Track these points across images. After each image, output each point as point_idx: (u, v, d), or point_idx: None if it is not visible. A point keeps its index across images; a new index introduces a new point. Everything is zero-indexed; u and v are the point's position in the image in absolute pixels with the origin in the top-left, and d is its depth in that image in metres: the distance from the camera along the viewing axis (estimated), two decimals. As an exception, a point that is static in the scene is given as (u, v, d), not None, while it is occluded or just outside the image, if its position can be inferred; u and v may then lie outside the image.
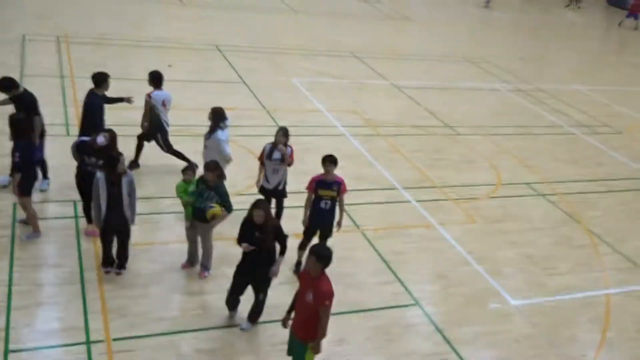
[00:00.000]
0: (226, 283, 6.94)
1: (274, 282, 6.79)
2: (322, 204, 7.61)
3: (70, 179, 8.05)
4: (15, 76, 9.26)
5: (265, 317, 6.85)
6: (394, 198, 10.30)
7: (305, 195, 7.72)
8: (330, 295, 5.57)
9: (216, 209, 7.10)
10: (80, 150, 7.74)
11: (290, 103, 13.76)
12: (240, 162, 9.80)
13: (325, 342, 5.86)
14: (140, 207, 7.55)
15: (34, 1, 18.66)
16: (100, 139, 7.49)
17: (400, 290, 7.93)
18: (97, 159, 7.49)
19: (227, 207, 7.24)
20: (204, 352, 6.44)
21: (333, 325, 6.00)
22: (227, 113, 8.76)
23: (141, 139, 9.85)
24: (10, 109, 8.41)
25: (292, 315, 5.91)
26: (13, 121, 7.63)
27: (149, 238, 8.14)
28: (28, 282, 7.01)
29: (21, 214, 7.95)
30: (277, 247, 6.56)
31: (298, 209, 8.02)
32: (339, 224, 7.78)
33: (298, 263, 7.87)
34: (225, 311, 6.92)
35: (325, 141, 11.75)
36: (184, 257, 7.73)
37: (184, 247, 7.71)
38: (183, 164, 9.03)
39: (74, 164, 7.90)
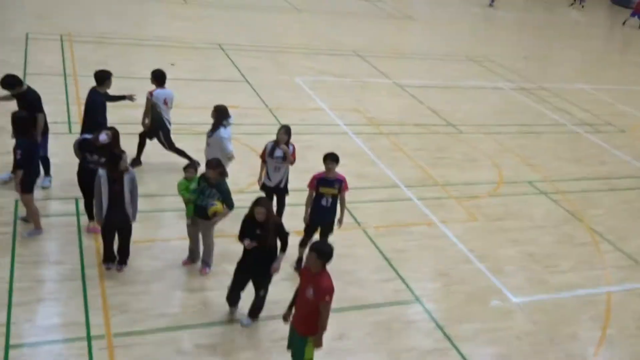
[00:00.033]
0: (227, 280, 6.96)
1: (275, 278, 6.80)
2: (324, 202, 7.62)
3: (73, 177, 8.07)
4: (19, 74, 9.29)
5: (266, 313, 6.87)
6: (395, 196, 10.30)
7: (306, 193, 7.72)
8: (330, 291, 5.58)
9: (218, 206, 7.12)
10: (82, 147, 7.76)
11: (292, 101, 13.77)
12: (242, 159, 9.82)
13: (325, 338, 5.88)
14: (141, 204, 7.57)
15: (36, 0, 18.72)
16: (103, 137, 7.51)
17: (402, 288, 7.93)
18: (99, 157, 7.51)
19: (229, 205, 7.26)
20: (205, 347, 6.46)
21: (333, 321, 6.01)
22: (230, 111, 8.77)
23: (143, 137, 9.88)
24: (13, 106, 8.44)
25: (293, 310, 5.92)
26: (15, 119, 7.65)
27: (151, 235, 8.16)
28: (29, 279, 7.04)
29: (23, 211, 7.99)
30: (278, 244, 6.57)
31: (299, 206, 8.02)
32: (340, 221, 7.79)
33: (299, 260, 7.88)
34: (225, 307, 6.94)
35: (327, 139, 11.76)
36: (185, 254, 7.75)
37: (185, 244, 7.73)
38: (185, 161, 9.06)
39: (76, 161, 7.92)
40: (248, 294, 6.81)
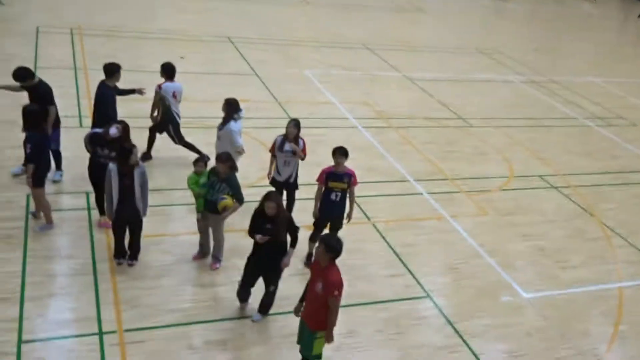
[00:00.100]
0: (237, 275, 6.97)
1: (285, 273, 6.80)
2: (333, 196, 7.59)
3: (83, 171, 8.10)
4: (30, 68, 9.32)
5: (276, 308, 6.87)
6: (405, 190, 10.25)
7: (316, 187, 7.70)
8: (339, 285, 5.57)
9: (227, 200, 7.11)
10: (93, 141, 7.78)
11: (302, 95, 13.73)
12: (252, 154, 9.80)
13: (335, 334, 5.87)
14: (151, 198, 7.58)
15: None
16: (113, 131, 7.52)
17: (412, 283, 7.91)
18: (110, 151, 7.52)
19: (239, 199, 7.25)
20: (215, 343, 6.48)
21: (343, 316, 6.01)
22: (241, 105, 8.75)
23: (153, 131, 9.88)
24: (25, 100, 8.46)
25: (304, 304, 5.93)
26: (26, 112, 7.66)
27: (161, 230, 8.18)
28: (41, 273, 7.08)
29: (34, 206, 8.01)
30: (288, 239, 6.56)
31: (309, 201, 8.01)
32: (349, 216, 7.77)
33: (309, 255, 7.87)
34: (236, 303, 6.95)
35: (336, 133, 11.72)
36: (195, 249, 7.76)
37: (195, 238, 7.75)
38: (194, 155, 9.04)
39: (86, 155, 7.95)
40: (258, 290, 6.81)
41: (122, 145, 7.21)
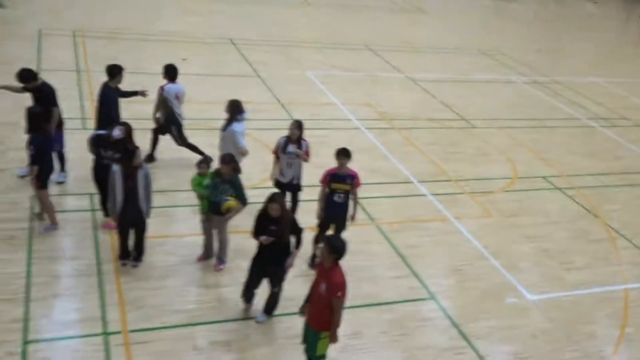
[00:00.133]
0: (241, 276, 6.96)
1: (289, 275, 6.80)
2: (336, 197, 7.58)
3: (87, 172, 8.10)
4: (32, 70, 9.33)
5: (281, 309, 6.86)
6: (409, 191, 10.24)
7: (319, 188, 7.69)
8: (342, 286, 5.56)
9: (231, 202, 7.11)
10: (96, 143, 7.78)
11: (304, 96, 13.73)
12: (255, 155, 9.79)
13: (339, 335, 5.86)
14: (155, 200, 7.57)
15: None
16: (116, 132, 7.52)
17: (416, 284, 7.89)
18: (114, 152, 7.52)
19: (242, 200, 7.24)
20: (220, 344, 6.47)
21: (348, 318, 6.00)
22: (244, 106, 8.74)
23: (156, 133, 9.88)
24: (27, 102, 8.46)
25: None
26: (30, 114, 7.67)
27: (165, 231, 8.17)
28: (46, 274, 7.08)
29: (38, 207, 8.01)
30: (292, 240, 6.55)
31: (312, 202, 8.00)
32: (353, 217, 7.76)
33: (313, 256, 7.86)
34: (240, 304, 6.94)
35: (339, 134, 11.71)
36: (199, 250, 7.75)
37: (200, 239, 7.74)
38: (197, 157, 9.02)
39: (89, 157, 7.95)
40: (263, 291, 6.80)
41: (126, 147, 7.21)
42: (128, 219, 7.15)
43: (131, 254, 7.42)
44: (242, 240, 7.79)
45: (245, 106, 8.76)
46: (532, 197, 10.65)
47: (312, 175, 8.44)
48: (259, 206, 6.55)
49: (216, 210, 7.23)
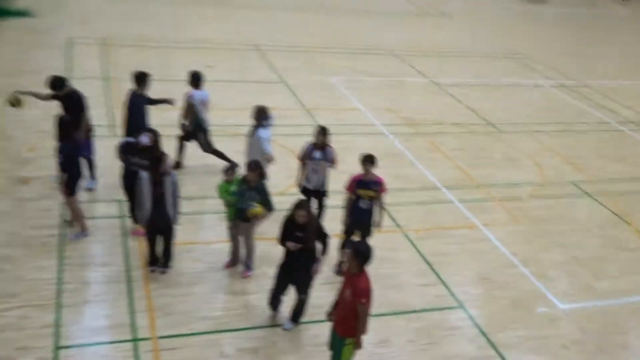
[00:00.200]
0: (268, 283, 6.97)
1: (316, 282, 6.78)
2: (362, 204, 7.54)
3: (115, 179, 8.20)
4: (62, 78, 9.50)
5: (308, 317, 6.85)
6: (436, 198, 10.15)
7: (344, 195, 7.67)
8: (366, 292, 5.53)
9: (257, 208, 7.12)
10: (125, 150, 7.87)
11: (329, 102, 13.74)
12: (281, 161, 9.82)
13: (366, 343, 5.83)
14: (183, 206, 7.64)
15: (78, 6, 19.13)
16: (144, 139, 7.60)
17: (444, 292, 7.81)
18: (142, 159, 7.60)
19: (269, 207, 7.26)
20: (247, 351, 6.48)
21: (375, 326, 5.96)
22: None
23: (182, 140, 9.97)
24: (55, 110, 8.61)
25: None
26: (59, 122, 7.80)
27: (192, 238, 8.24)
28: (77, 281, 7.19)
29: (68, 214, 8.14)
30: (319, 246, 6.54)
31: (338, 209, 7.98)
32: (379, 224, 7.71)
33: (339, 263, 7.83)
34: (267, 311, 6.95)
35: (364, 140, 11.68)
36: (226, 257, 7.79)
37: (227, 246, 7.78)
38: (224, 163, 9.09)
39: (118, 164, 8.05)
40: (289, 298, 6.80)
41: (153, 154, 7.29)
42: (156, 225, 7.21)
43: (159, 260, 7.49)
44: (268, 247, 7.81)
45: (271, 112, 8.79)
46: (561, 203, 10.46)
47: (337, 181, 8.43)
48: (285, 213, 6.55)
49: (243, 216, 7.26)
